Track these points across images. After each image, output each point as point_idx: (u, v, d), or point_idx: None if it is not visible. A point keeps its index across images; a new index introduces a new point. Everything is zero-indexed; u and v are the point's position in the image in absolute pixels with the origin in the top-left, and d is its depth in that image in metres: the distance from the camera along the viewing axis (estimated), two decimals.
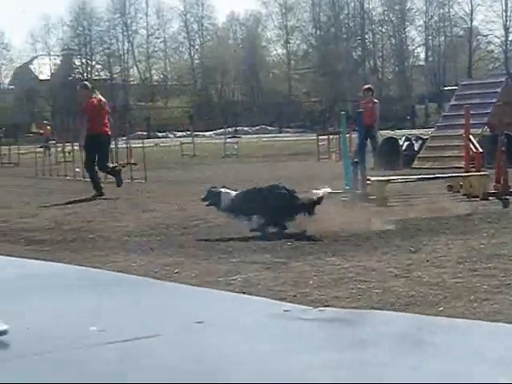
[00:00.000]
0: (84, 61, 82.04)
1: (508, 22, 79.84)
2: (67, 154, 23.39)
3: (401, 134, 26.13)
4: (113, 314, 1.15)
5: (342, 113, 16.45)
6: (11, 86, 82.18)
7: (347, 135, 15.33)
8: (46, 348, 1.03)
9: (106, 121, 14.74)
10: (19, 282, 1.39)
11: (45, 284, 1.35)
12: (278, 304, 1.29)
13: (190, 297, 1.26)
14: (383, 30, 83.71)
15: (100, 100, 14.88)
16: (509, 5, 79.22)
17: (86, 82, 17.00)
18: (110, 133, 15.05)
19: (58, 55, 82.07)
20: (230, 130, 43.74)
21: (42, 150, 27.48)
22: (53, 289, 1.32)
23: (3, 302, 1.25)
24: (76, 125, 25.90)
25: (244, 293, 5.58)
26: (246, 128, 64.36)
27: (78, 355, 1.02)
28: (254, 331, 1.08)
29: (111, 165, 15.41)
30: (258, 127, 66.15)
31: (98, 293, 1.27)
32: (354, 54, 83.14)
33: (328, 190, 9.01)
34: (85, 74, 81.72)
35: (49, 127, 39.45)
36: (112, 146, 22.34)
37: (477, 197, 11.46)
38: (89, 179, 14.79)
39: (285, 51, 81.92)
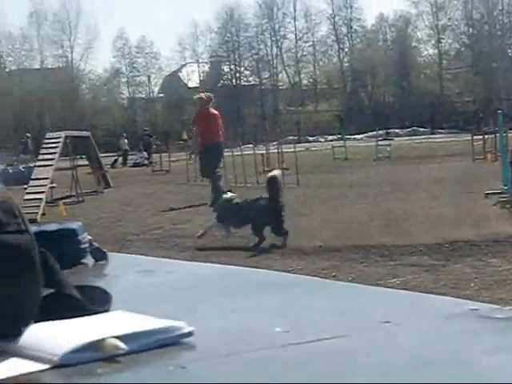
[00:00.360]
0: (233, 67, 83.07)
1: None
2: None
3: None
4: (295, 315, 1.14)
5: (499, 111, 15.99)
6: (161, 94, 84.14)
7: (504, 134, 14.87)
8: (233, 349, 1.03)
9: (217, 130, 15.12)
10: (198, 285, 1.40)
11: (223, 286, 1.36)
12: (462, 303, 1.25)
13: (371, 297, 1.24)
14: None
15: (208, 110, 15.30)
16: None
17: (200, 95, 17.01)
18: (220, 140, 15.33)
19: (206, 62, 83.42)
20: (381, 132, 43.35)
21: (193, 156, 27.97)
22: (232, 291, 1.32)
23: (186, 304, 1.27)
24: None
25: None
26: (397, 130, 63.55)
27: (266, 356, 1.01)
28: (443, 330, 1.05)
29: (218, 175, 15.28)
30: (409, 129, 65.16)
31: (278, 294, 1.26)
32: (509, 51, 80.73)
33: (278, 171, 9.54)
34: (233, 80, 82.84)
35: None
36: (263, 151, 22.65)
37: None
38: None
39: (436, 51, 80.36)
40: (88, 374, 0.97)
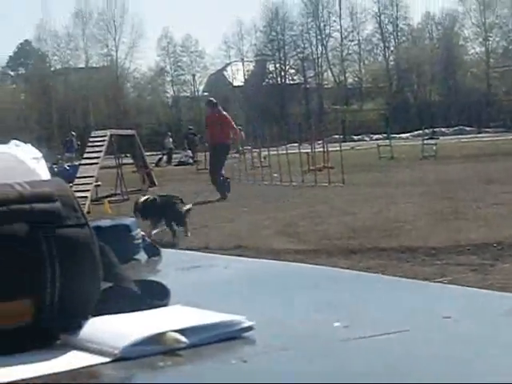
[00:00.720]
0: (278, 66, 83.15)
1: None
2: (263, 160, 23.78)
3: None
4: (354, 310, 1.13)
5: None
6: (205, 93, 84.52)
7: None
8: (293, 344, 1.02)
9: (225, 132, 16.84)
10: (254, 280, 1.39)
11: (280, 281, 1.36)
12: None
13: (430, 292, 1.23)
14: None
15: (219, 114, 17.15)
16: None
17: (209, 99, 19.04)
18: (228, 142, 17.31)
19: (251, 61, 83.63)
20: (427, 131, 42.98)
21: (237, 155, 28.04)
22: (289, 286, 1.32)
23: (243, 299, 1.26)
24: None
25: None
26: (443, 129, 63.14)
27: (326, 350, 1.00)
28: (505, 325, 1.03)
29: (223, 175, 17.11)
30: (456, 128, 64.71)
31: (337, 290, 1.25)
32: None
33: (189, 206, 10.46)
34: (278, 79, 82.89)
35: (243, 133, 40.20)
36: (308, 150, 22.63)
37: None
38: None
39: (483, 49, 79.68)
40: (149, 367, 0.97)
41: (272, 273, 1.55)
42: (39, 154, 1.40)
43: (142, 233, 1.85)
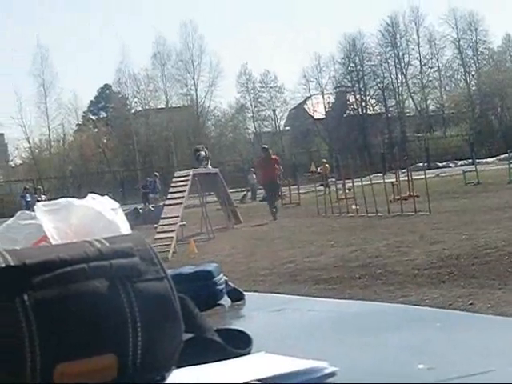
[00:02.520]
0: (358, 97, 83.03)
1: None
2: (348, 191, 23.71)
3: None
4: (437, 351, 1.11)
5: None
6: (287, 127, 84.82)
7: None
8: None
9: (274, 171, 22.28)
10: (335, 323, 1.38)
11: (360, 323, 1.34)
12: None
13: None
14: None
15: (269, 157, 22.91)
16: None
17: (263, 146, 25.62)
18: (277, 180, 22.60)
19: (331, 93, 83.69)
20: None
21: (322, 188, 28.02)
22: (370, 327, 1.30)
23: (327, 343, 1.25)
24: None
25: None
26: None
27: None
28: None
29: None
30: None
31: (417, 330, 1.23)
32: None
33: None
34: (359, 110, 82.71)
35: (327, 165, 40.22)
36: (393, 179, 22.49)
37: None
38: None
39: None
40: None
41: (356, 314, 1.54)
42: (117, 205, 1.42)
43: (225, 278, 1.85)
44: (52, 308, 1.01)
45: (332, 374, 1.06)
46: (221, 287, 1.82)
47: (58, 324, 1.00)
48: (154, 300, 1.05)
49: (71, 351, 1.00)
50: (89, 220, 1.32)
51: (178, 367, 1.10)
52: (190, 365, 1.11)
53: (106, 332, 1.01)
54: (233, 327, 1.32)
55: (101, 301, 1.02)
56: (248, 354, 1.20)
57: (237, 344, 1.21)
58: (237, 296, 1.84)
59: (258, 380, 1.02)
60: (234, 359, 1.16)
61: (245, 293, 1.86)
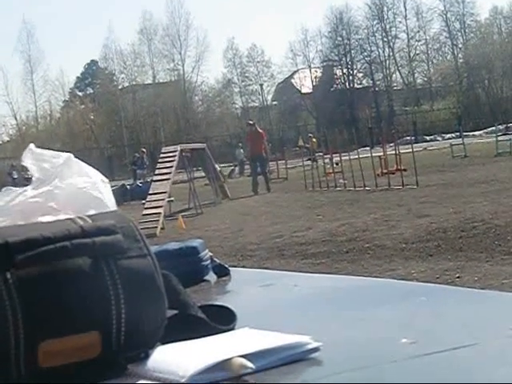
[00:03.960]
0: (345, 70, 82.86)
1: None
2: (335, 165, 23.71)
3: None
4: (421, 325, 1.12)
5: None
6: (274, 102, 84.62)
7: None
8: (360, 363, 1.01)
9: (261, 145, 23.05)
10: (322, 298, 1.39)
11: (347, 298, 1.35)
12: None
13: (498, 302, 1.20)
14: None
15: (256, 131, 23.67)
16: None
17: (248, 121, 27.02)
18: (263, 154, 23.24)
19: (318, 67, 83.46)
20: (500, 127, 42.31)
21: (309, 162, 28.03)
22: (356, 302, 1.31)
23: (312, 318, 1.26)
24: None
25: None
26: None
27: (396, 368, 0.99)
28: None
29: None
30: None
31: (403, 304, 1.24)
32: None
33: None
34: (347, 84, 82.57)
35: (314, 140, 40.22)
36: (380, 153, 22.50)
37: None
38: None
39: None
40: None
41: (341, 289, 1.55)
42: (106, 180, 1.41)
43: (211, 253, 1.86)
44: (35, 286, 1.01)
45: (316, 349, 1.07)
46: (206, 263, 1.82)
47: (41, 302, 1.00)
48: (138, 277, 1.05)
49: (55, 329, 1.00)
50: (81, 189, 1.31)
51: (162, 343, 1.10)
52: (174, 341, 1.12)
53: (89, 309, 1.02)
54: (217, 303, 1.32)
55: (84, 278, 1.02)
56: (232, 329, 1.21)
57: (221, 320, 1.21)
58: (222, 272, 1.84)
59: (242, 355, 1.02)
60: (217, 335, 1.16)
61: (230, 268, 1.86)
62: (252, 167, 23.98)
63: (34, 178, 1.32)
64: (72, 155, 1.37)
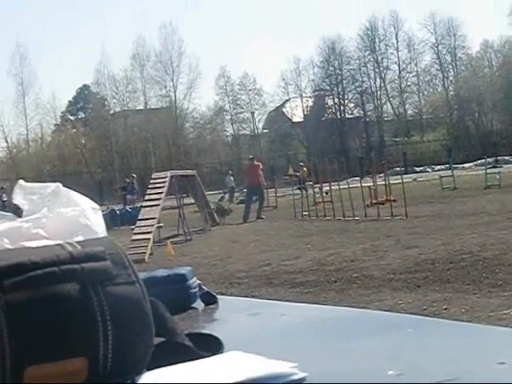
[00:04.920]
0: (336, 100, 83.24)
1: None
2: (325, 194, 23.75)
3: None
4: (408, 356, 1.12)
5: None
6: (265, 130, 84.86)
7: None
8: None
9: (259, 177, 24.39)
10: (308, 327, 1.39)
11: (334, 328, 1.35)
12: None
13: (484, 336, 1.21)
14: None
15: (253, 164, 25.42)
16: None
17: (250, 157, 28.48)
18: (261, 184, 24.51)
19: (310, 96, 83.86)
20: (490, 160, 42.50)
21: (299, 191, 28.10)
22: (343, 333, 1.31)
23: (299, 348, 1.26)
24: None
25: None
26: (506, 157, 62.31)
27: None
28: None
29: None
30: None
31: (390, 335, 1.24)
32: None
33: None
34: (338, 114, 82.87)
35: (305, 169, 40.34)
36: (370, 183, 22.56)
37: None
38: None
39: None
40: None
41: (327, 319, 1.55)
42: (97, 207, 1.42)
43: (199, 281, 1.86)
44: (23, 311, 1.01)
45: (302, 380, 1.07)
46: (194, 290, 1.82)
47: (29, 327, 1.00)
48: (125, 304, 1.05)
49: (42, 354, 1.00)
50: (70, 217, 1.31)
51: (149, 370, 1.10)
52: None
53: (76, 335, 1.02)
54: (204, 331, 1.32)
55: (72, 304, 1.02)
56: None
57: (207, 348, 1.21)
58: (210, 299, 1.85)
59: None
60: (206, 359, 1.16)
61: (218, 296, 1.86)
62: (248, 197, 25.12)
63: (24, 212, 1.32)
64: (60, 184, 1.38)
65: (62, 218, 1.29)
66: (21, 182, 1.40)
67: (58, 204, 1.34)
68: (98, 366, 1.04)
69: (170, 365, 1.13)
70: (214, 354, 1.20)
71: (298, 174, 39.52)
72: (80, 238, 1.18)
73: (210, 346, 1.22)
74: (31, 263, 1.02)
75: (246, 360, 1.15)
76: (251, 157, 28.60)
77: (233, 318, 1.69)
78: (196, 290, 1.83)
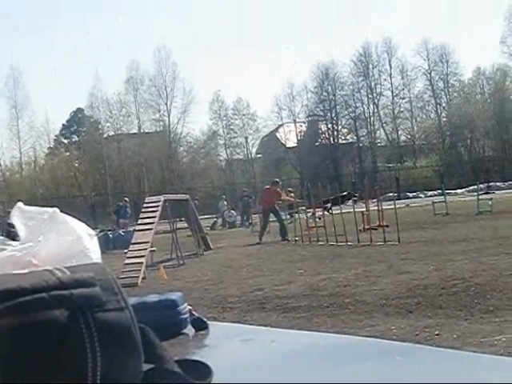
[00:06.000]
0: (330, 125, 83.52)
1: None
2: (318, 220, 23.76)
3: None
4: None
5: None
6: (259, 155, 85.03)
7: None
8: None
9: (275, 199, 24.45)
10: (299, 355, 1.39)
11: (324, 355, 1.35)
12: None
13: (474, 364, 1.21)
14: None
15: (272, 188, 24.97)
16: None
17: (275, 180, 26.90)
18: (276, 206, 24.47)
19: (303, 122, 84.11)
20: (482, 186, 42.62)
21: (288, 217, 28.19)
22: (333, 360, 1.31)
23: (286, 376, 1.26)
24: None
25: (510, 354, 5.35)
26: (498, 183, 62.54)
27: None
28: None
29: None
30: (511, 182, 63.99)
31: (378, 363, 1.24)
32: None
33: None
34: (331, 139, 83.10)
35: (292, 194, 40.47)
36: (363, 209, 22.59)
37: None
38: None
39: None
40: None
41: (318, 346, 1.55)
42: (93, 233, 1.42)
43: (190, 307, 1.86)
44: (12, 337, 1.00)
45: None
46: (184, 316, 1.82)
47: (17, 353, 1.00)
48: (114, 330, 1.05)
49: (29, 381, 1.00)
50: (66, 243, 1.32)
51: None
52: None
53: (65, 361, 1.01)
54: (194, 358, 1.32)
55: (60, 330, 1.02)
56: None
57: (197, 375, 1.21)
58: (200, 325, 1.84)
59: None
60: None
61: (209, 322, 1.86)
62: (265, 218, 25.01)
63: (20, 239, 1.33)
64: (58, 210, 1.38)
65: (57, 245, 1.29)
66: (19, 204, 1.40)
67: (55, 230, 1.34)
68: None
69: None
70: (204, 381, 1.20)
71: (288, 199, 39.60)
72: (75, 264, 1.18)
73: (199, 372, 1.22)
74: (20, 289, 1.02)
75: None
76: (277, 180, 28.06)
77: (223, 345, 1.69)
78: (186, 315, 1.83)
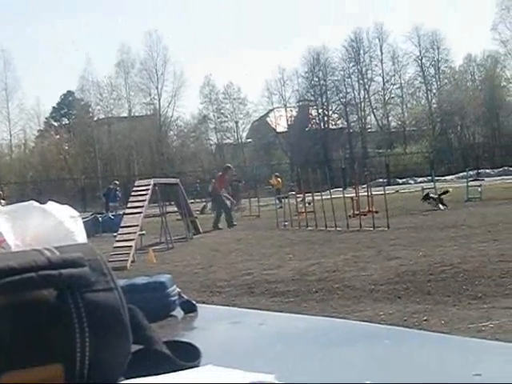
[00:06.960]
0: (320, 111, 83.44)
1: None
2: (307, 205, 23.77)
3: None
4: (384, 367, 1.12)
5: None
6: (249, 140, 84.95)
7: None
8: None
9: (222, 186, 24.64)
10: (287, 337, 1.39)
11: (312, 338, 1.35)
12: None
13: (461, 348, 1.21)
14: None
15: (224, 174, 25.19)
16: None
17: (227, 165, 27.30)
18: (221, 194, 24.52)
19: (294, 107, 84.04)
20: (471, 173, 42.66)
21: (277, 202, 28.27)
22: (321, 343, 1.31)
23: (276, 358, 1.26)
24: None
25: (497, 339, 5.38)
26: (488, 170, 62.68)
27: None
28: None
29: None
30: (500, 169, 64.17)
31: (366, 346, 1.24)
32: None
33: None
34: (321, 124, 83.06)
35: (279, 179, 40.56)
36: (352, 194, 22.62)
37: None
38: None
39: None
40: None
41: (307, 329, 1.55)
42: (76, 214, 1.42)
43: (178, 289, 1.86)
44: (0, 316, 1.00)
45: None
46: (173, 298, 1.82)
47: (5, 333, 1.00)
48: (103, 310, 1.05)
49: (17, 360, 1.00)
50: (47, 228, 1.32)
51: (126, 378, 1.10)
52: (138, 376, 1.11)
53: (53, 341, 1.01)
54: (182, 339, 1.32)
55: (49, 310, 1.01)
56: (196, 366, 1.20)
57: (185, 356, 1.21)
58: (189, 308, 1.84)
59: None
60: (181, 371, 1.16)
61: (198, 305, 1.86)
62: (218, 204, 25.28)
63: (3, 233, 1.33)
64: (33, 202, 1.39)
65: (36, 234, 1.29)
66: None
67: (34, 217, 1.34)
68: (75, 373, 1.03)
69: (148, 372, 1.12)
70: (192, 362, 1.20)
71: (272, 183, 39.76)
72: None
73: (187, 354, 1.22)
74: (9, 268, 1.02)
75: (223, 374, 1.14)
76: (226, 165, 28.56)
77: (212, 327, 1.69)
78: (175, 298, 1.82)
